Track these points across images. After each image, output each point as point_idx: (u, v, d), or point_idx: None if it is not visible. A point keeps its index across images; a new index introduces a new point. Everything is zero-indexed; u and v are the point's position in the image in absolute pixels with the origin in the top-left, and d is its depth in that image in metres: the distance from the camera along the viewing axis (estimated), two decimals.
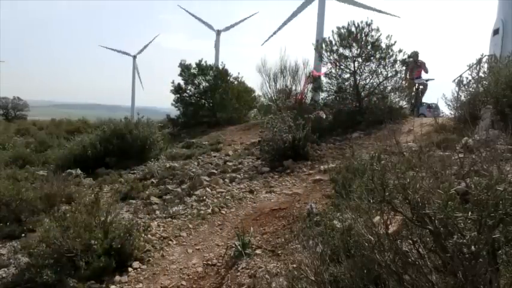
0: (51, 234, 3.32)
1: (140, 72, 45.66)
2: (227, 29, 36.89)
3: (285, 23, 24.71)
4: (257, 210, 4.46)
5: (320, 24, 20.20)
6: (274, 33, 24.61)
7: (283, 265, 2.99)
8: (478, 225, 1.53)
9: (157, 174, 6.51)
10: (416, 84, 10.30)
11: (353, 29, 8.33)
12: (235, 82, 13.09)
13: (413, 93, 10.26)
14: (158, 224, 4.38)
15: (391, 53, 8.24)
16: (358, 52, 8.37)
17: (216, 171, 6.34)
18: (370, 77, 8.56)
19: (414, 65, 10.21)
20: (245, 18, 37.49)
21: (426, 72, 10.36)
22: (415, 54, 10.11)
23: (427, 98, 10.83)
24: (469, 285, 1.51)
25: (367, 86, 8.68)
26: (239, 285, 2.94)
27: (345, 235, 2.50)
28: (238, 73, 13.35)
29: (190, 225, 4.28)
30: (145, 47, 45.85)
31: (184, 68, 12.56)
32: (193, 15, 36.38)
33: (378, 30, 8.21)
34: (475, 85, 6.34)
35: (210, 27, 36.38)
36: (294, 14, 23.65)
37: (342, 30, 8.45)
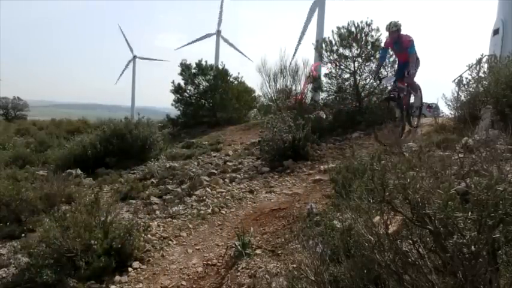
0: (51, 234, 3.32)
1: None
2: (226, 41, 38.09)
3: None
4: (257, 210, 4.46)
5: (320, 24, 20.26)
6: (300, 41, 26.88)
7: (283, 265, 2.99)
8: (478, 225, 1.53)
9: (157, 174, 6.51)
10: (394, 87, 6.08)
11: (353, 29, 8.35)
12: (235, 82, 13.10)
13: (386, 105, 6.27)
14: (158, 224, 4.38)
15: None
16: (358, 52, 8.38)
17: (216, 171, 6.34)
18: (370, 77, 8.56)
19: (395, 40, 6.08)
20: (241, 51, 40.37)
21: (412, 60, 5.98)
22: (394, 26, 5.95)
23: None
24: (469, 285, 1.51)
25: (367, 86, 8.68)
26: (239, 285, 2.94)
27: (345, 235, 2.50)
28: (238, 73, 13.39)
29: (190, 225, 4.28)
30: (150, 59, 47.24)
31: (185, 68, 12.57)
32: (193, 42, 38.60)
33: (377, 30, 8.23)
34: (475, 85, 6.34)
35: (210, 35, 37.35)
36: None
37: (342, 30, 8.47)
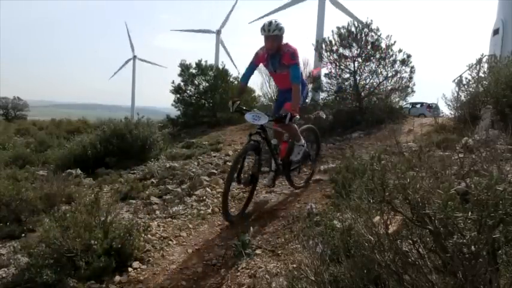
0: (51, 234, 3.32)
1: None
2: (223, 25, 37.99)
3: (277, 10, 27.73)
4: (257, 210, 4.46)
5: (320, 24, 20.26)
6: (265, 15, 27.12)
7: (283, 265, 2.99)
8: (478, 225, 1.53)
9: (157, 174, 6.51)
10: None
11: (353, 29, 8.36)
12: (235, 82, 13.11)
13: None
14: (158, 224, 4.38)
15: (390, 53, 8.27)
16: (358, 52, 8.40)
17: (216, 171, 6.34)
18: (370, 77, 8.58)
19: (272, 53, 3.99)
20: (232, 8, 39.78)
21: (296, 93, 3.98)
22: (274, 27, 3.77)
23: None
24: (469, 285, 1.51)
25: (367, 86, 8.70)
26: (239, 285, 2.94)
27: (345, 235, 2.50)
28: (239, 73, 13.40)
29: (190, 225, 4.28)
30: (150, 63, 47.87)
31: (185, 68, 12.58)
32: (190, 30, 39.19)
33: (377, 30, 8.25)
34: (475, 85, 6.35)
35: (209, 31, 37.48)
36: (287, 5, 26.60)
37: (342, 30, 8.49)
